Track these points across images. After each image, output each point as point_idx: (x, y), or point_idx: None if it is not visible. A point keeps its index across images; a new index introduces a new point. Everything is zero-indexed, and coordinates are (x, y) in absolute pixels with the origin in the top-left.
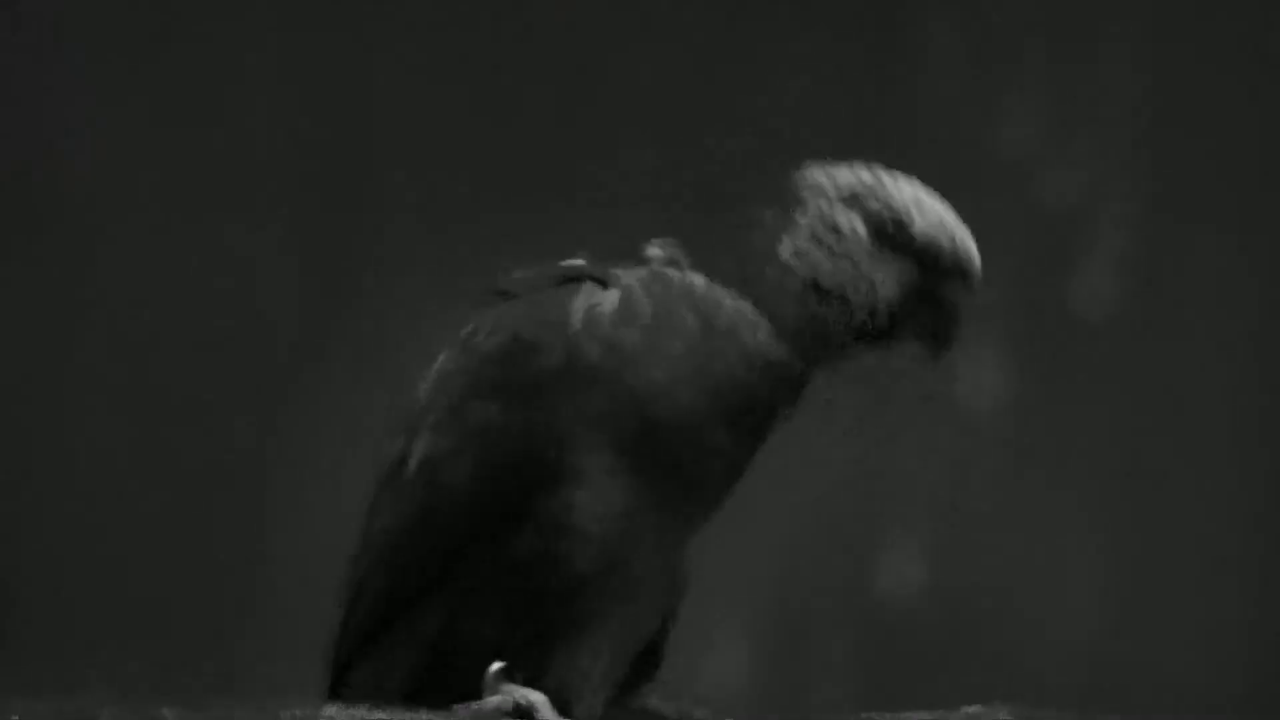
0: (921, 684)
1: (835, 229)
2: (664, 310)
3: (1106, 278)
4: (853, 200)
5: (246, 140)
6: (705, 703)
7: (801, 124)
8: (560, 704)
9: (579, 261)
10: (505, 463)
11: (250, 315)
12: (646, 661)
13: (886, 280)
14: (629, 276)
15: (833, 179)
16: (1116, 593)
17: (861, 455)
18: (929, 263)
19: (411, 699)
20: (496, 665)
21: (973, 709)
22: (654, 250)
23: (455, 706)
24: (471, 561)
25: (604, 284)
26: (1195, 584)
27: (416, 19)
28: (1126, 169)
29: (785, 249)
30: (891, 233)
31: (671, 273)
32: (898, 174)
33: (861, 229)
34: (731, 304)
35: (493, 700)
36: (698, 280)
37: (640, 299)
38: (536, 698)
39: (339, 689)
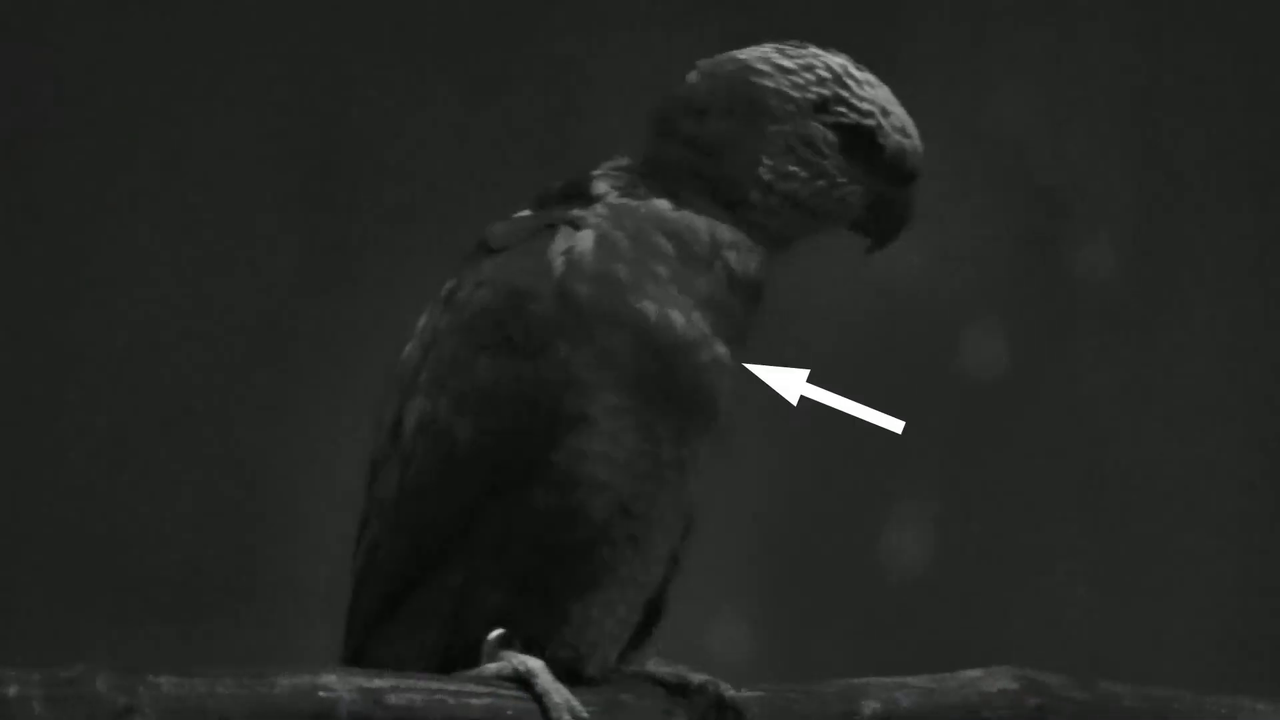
0: (924, 651)
1: (810, 143)
2: (640, 240)
3: (1104, 250)
4: (822, 108)
5: (246, 135)
6: (704, 668)
7: None
8: (571, 661)
9: (524, 212)
10: (509, 417)
11: (250, 306)
12: (650, 613)
13: (855, 191)
14: (593, 216)
15: (797, 84)
16: (1116, 563)
17: (866, 426)
18: (893, 173)
19: (432, 670)
20: (496, 632)
21: (973, 673)
22: (601, 185)
23: (454, 674)
24: (482, 523)
25: (575, 226)
26: (1194, 555)
27: (417, 10)
28: (1123, 142)
29: (764, 168)
30: (863, 145)
31: (633, 203)
32: (857, 68)
33: (835, 141)
34: (707, 232)
35: (491, 667)
36: (663, 205)
37: (614, 234)
38: (535, 664)
39: (358, 662)
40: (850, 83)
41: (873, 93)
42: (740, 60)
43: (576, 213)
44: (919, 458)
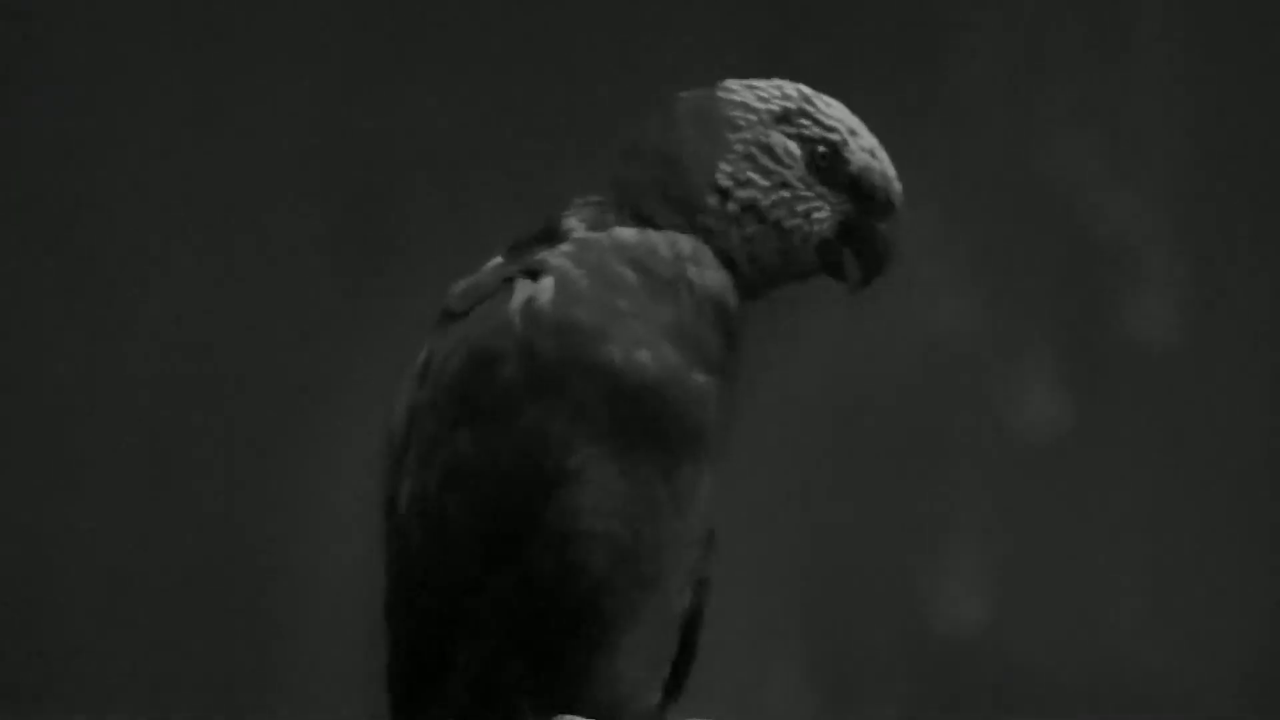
0: (975, 713)
1: (770, 151)
2: (600, 277)
3: (1161, 305)
4: (785, 120)
5: (276, 145)
6: None
7: None
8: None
9: (497, 260)
10: (495, 486)
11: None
12: (680, 655)
13: (820, 209)
14: (556, 257)
15: (761, 97)
16: (1173, 623)
17: (917, 480)
18: (861, 193)
19: None
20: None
21: None
22: (571, 221)
23: None
24: (489, 592)
25: (534, 275)
26: (1253, 613)
27: (447, 20)
28: (1179, 195)
29: (721, 174)
30: (826, 160)
31: (597, 235)
32: (822, 94)
33: (797, 152)
34: (668, 248)
35: None
36: (627, 233)
37: (573, 275)
38: None
39: None
40: (817, 102)
41: (839, 113)
42: (704, 93)
43: (540, 257)
44: (970, 512)
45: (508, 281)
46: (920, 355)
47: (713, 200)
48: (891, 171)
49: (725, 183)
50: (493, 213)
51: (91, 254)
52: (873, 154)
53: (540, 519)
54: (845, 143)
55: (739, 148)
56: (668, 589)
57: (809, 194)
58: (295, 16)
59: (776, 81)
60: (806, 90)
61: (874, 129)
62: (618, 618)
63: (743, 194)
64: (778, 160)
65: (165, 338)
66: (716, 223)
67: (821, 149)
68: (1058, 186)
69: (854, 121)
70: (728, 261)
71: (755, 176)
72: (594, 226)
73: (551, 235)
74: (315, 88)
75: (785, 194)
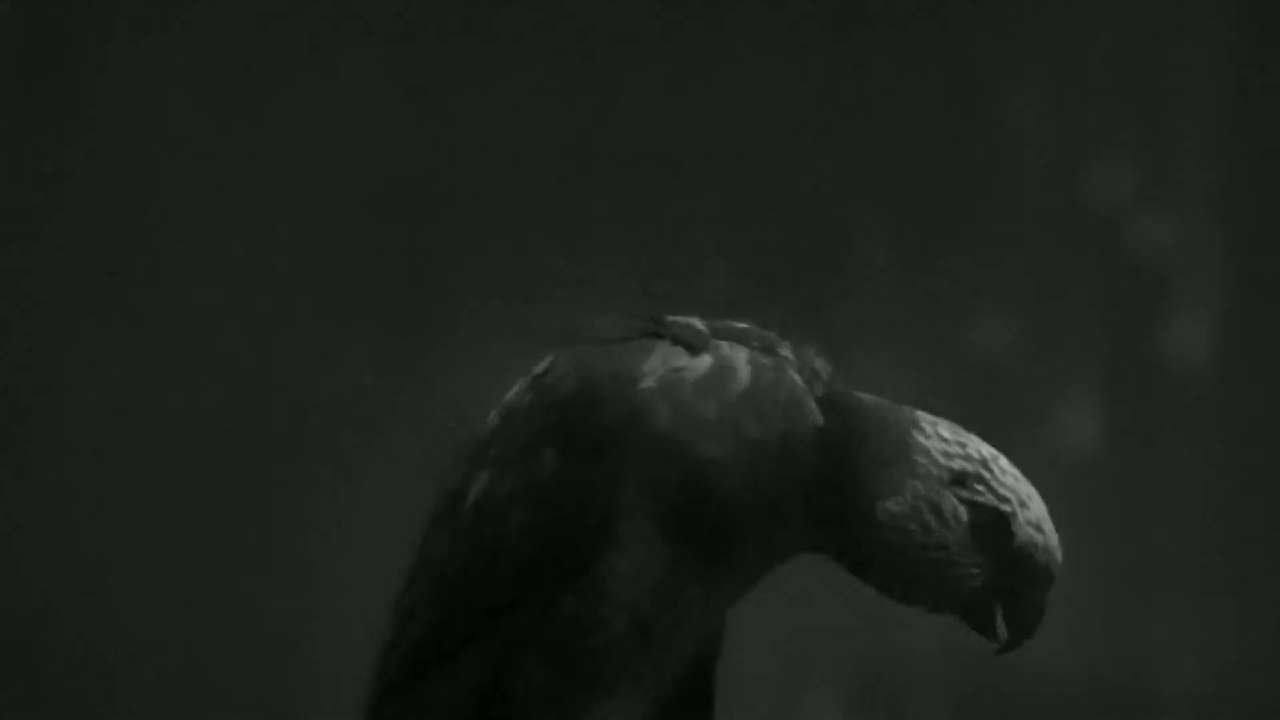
0: None
1: (938, 513)
2: (757, 398)
3: (1198, 329)
4: (961, 482)
5: (323, 183)
6: None
7: (890, 179)
8: None
9: (690, 321)
10: (559, 517)
11: (324, 344)
12: (697, 706)
13: (975, 579)
14: (739, 352)
15: (945, 448)
16: (1212, 644)
17: None
18: (1019, 566)
19: None
20: None
21: None
22: (786, 353)
23: None
24: (520, 613)
25: (693, 349)
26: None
27: (500, 60)
28: (1215, 217)
29: (883, 511)
30: (991, 530)
31: (793, 378)
32: (1001, 457)
33: (964, 517)
34: (814, 459)
35: None
36: (810, 404)
37: (738, 375)
38: None
39: None
40: (995, 468)
41: (1014, 484)
42: (908, 412)
43: (720, 341)
44: None
45: (656, 335)
46: (960, 375)
47: (868, 535)
48: (1055, 542)
49: (882, 518)
50: (534, 239)
51: (131, 265)
52: (1038, 528)
53: (584, 564)
54: (1015, 515)
55: (909, 495)
56: (664, 672)
57: (965, 562)
58: (344, 32)
59: (967, 437)
60: (990, 452)
61: (916, 157)
62: (617, 678)
63: (896, 536)
64: (943, 523)
65: (201, 346)
66: (866, 546)
67: (988, 518)
68: (1097, 208)
69: (1027, 491)
70: (865, 564)
71: (915, 530)
72: (805, 371)
73: (730, 330)
74: (360, 106)
75: (940, 555)
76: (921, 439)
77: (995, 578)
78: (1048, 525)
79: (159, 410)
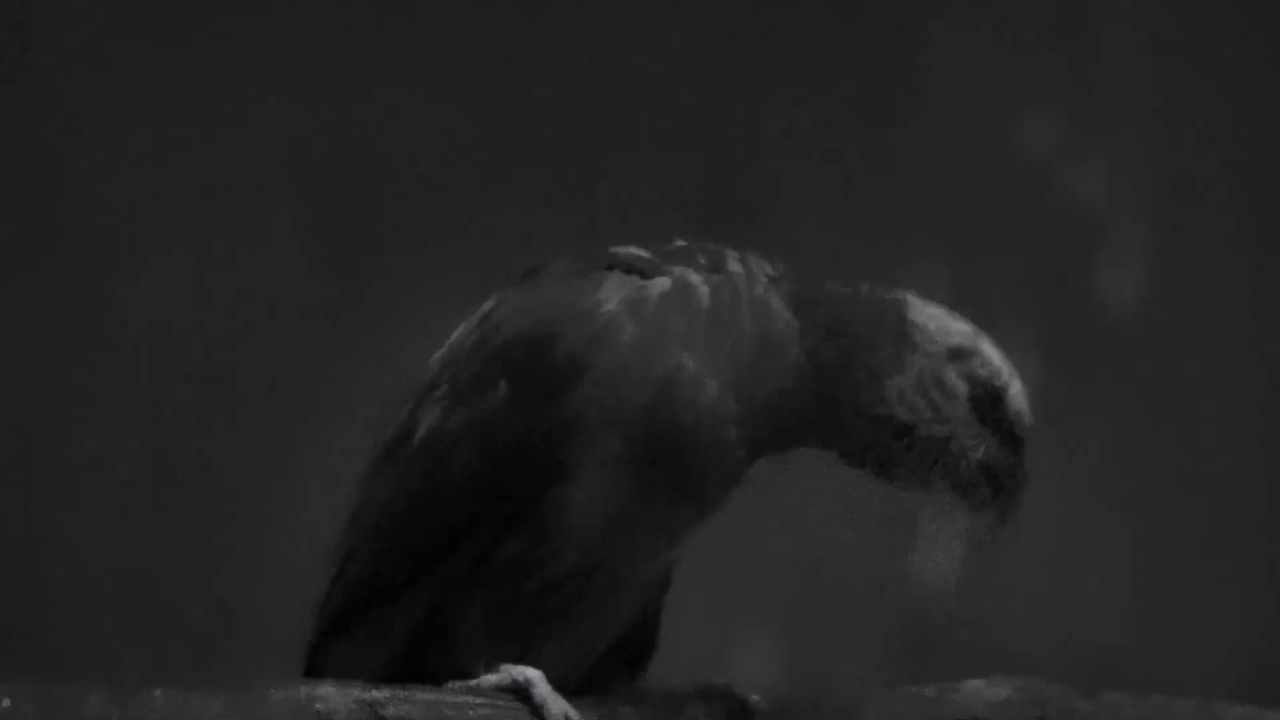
0: (939, 669)
1: (941, 384)
2: (723, 309)
3: (1129, 274)
4: (958, 357)
5: (257, 144)
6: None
7: (818, 132)
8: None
9: (633, 250)
10: (508, 455)
11: (261, 318)
12: (639, 651)
13: (979, 448)
14: (692, 274)
15: (940, 324)
16: (1136, 587)
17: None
18: (1007, 438)
19: (388, 680)
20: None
21: (976, 683)
22: (734, 265)
23: (451, 683)
24: (462, 552)
25: (645, 275)
26: (1214, 578)
27: (430, 16)
28: (1146, 164)
29: (894, 385)
30: (987, 403)
31: (749, 285)
32: (984, 334)
33: (964, 391)
34: (795, 348)
35: (490, 678)
36: (776, 303)
37: (698, 292)
38: (533, 674)
39: (316, 662)
40: (984, 344)
41: (1000, 356)
42: (897, 292)
43: (671, 265)
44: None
45: (609, 268)
46: None
47: (870, 412)
48: (1028, 408)
49: (890, 395)
50: (479, 217)
51: (80, 256)
52: (1024, 399)
53: (537, 497)
54: (1007, 386)
55: (913, 372)
56: (616, 608)
57: (965, 434)
58: (284, 20)
59: (953, 315)
60: (975, 329)
61: (844, 109)
62: (565, 615)
63: (904, 413)
64: (947, 396)
65: (154, 336)
66: (863, 427)
67: (985, 390)
68: (1029, 155)
69: (1009, 365)
70: (863, 448)
71: (922, 405)
72: (750, 276)
73: (703, 258)
74: (301, 91)
75: (944, 429)
76: (917, 317)
77: (991, 450)
78: (1026, 398)
79: (97, 390)
